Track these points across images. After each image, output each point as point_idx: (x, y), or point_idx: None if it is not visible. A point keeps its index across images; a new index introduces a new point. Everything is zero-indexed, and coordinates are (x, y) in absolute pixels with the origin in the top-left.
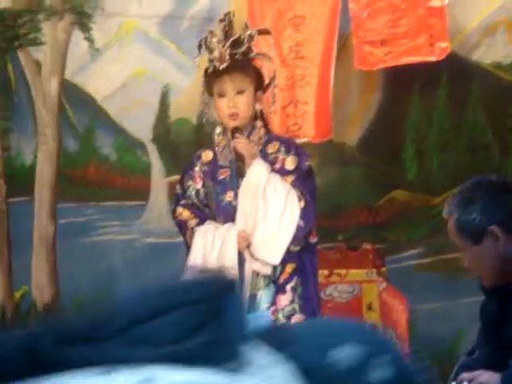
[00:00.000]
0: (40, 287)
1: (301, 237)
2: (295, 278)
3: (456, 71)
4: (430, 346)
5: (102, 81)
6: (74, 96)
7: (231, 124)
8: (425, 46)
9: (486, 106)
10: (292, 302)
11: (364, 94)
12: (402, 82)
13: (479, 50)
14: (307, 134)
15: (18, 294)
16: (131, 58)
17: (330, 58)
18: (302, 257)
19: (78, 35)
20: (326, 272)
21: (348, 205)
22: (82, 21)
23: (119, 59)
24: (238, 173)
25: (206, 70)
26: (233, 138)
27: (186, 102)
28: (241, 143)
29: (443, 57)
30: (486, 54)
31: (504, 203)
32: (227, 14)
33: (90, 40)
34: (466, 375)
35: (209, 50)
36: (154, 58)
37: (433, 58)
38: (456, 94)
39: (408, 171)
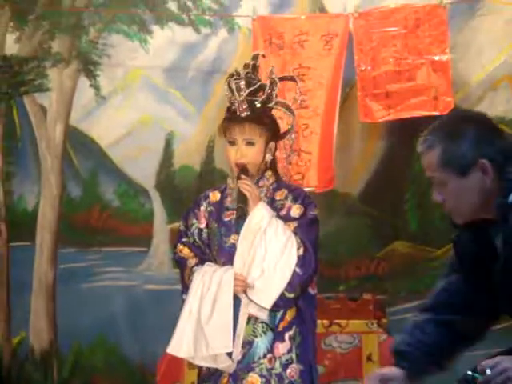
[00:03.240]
0: (38, 332)
1: (296, 284)
2: (294, 327)
3: None
4: None
5: (106, 127)
6: (78, 142)
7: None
8: (429, 101)
9: None
10: (290, 351)
11: (367, 145)
12: (405, 134)
13: (482, 104)
14: (310, 183)
15: (15, 340)
16: (136, 106)
17: (334, 108)
18: (302, 307)
19: (84, 82)
20: (326, 322)
21: (349, 255)
22: (88, 68)
23: (124, 106)
24: (240, 214)
25: (228, 109)
26: (238, 178)
27: (190, 149)
28: (245, 184)
29: (446, 111)
30: (489, 109)
31: (493, 139)
32: (255, 57)
33: (95, 87)
34: (485, 362)
35: (230, 90)
36: (158, 105)
37: (436, 113)
38: None
39: (410, 223)
